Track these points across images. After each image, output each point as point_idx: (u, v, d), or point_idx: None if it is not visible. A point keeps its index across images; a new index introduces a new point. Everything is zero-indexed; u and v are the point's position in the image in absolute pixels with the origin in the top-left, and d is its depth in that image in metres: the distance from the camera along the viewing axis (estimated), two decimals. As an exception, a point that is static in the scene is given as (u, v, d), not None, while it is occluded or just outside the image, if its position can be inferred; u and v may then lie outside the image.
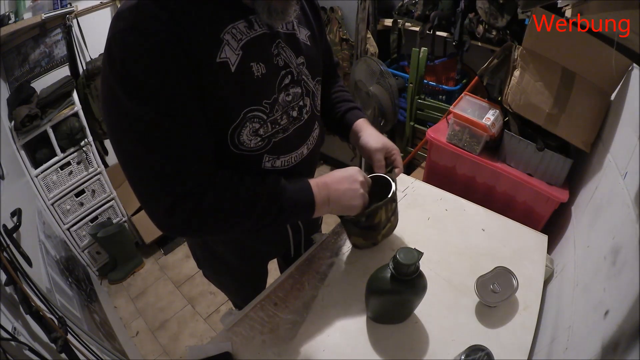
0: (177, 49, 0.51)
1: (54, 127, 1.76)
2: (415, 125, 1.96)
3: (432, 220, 0.95)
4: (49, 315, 1.04)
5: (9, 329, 0.86)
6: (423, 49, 1.71)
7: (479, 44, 1.61)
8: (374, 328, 0.72)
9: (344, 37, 2.15)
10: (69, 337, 1.06)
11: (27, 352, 0.86)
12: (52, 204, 1.83)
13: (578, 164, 1.05)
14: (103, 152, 2.11)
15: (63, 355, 0.99)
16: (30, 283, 1.07)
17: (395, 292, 0.63)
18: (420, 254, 0.60)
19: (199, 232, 0.62)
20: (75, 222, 1.95)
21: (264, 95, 0.62)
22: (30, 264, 1.13)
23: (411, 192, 1.04)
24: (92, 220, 2.02)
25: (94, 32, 1.92)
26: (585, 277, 0.68)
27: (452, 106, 1.23)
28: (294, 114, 0.69)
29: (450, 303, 0.76)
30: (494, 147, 1.20)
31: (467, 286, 0.76)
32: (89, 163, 1.93)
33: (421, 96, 1.84)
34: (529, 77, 1.03)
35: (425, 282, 0.64)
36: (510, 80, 1.06)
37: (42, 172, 1.76)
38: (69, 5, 1.82)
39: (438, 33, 1.72)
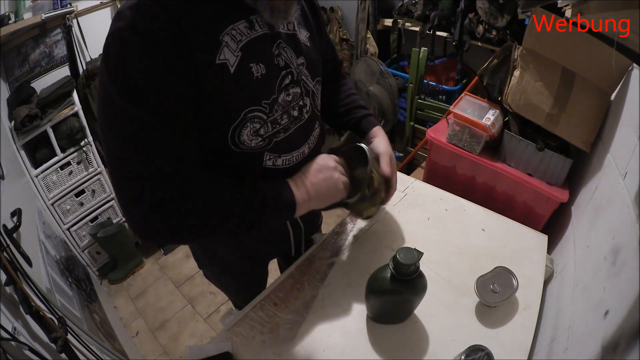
0: (176, 50, 0.51)
1: (54, 127, 1.76)
2: (415, 125, 1.96)
3: (432, 220, 0.95)
4: (49, 315, 1.04)
5: (9, 329, 0.86)
6: (423, 49, 1.71)
7: (479, 44, 1.61)
8: (374, 328, 0.72)
9: (344, 37, 2.15)
10: (69, 337, 1.06)
11: (27, 352, 0.86)
12: (52, 204, 1.83)
13: (578, 164, 1.05)
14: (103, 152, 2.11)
15: (63, 355, 0.99)
16: (30, 283, 1.07)
17: (395, 292, 0.63)
18: (420, 254, 0.60)
19: (177, 236, 0.60)
20: (75, 222, 1.95)
21: (263, 95, 0.62)
22: (30, 264, 1.13)
23: (411, 192, 1.04)
24: (92, 220, 2.02)
25: (94, 32, 1.92)
26: (585, 277, 0.68)
27: (452, 106, 1.23)
28: (295, 113, 0.69)
29: (450, 303, 0.76)
30: (494, 147, 1.20)
31: (467, 286, 0.76)
32: (89, 163, 1.93)
33: (421, 96, 1.84)
34: (529, 77, 1.03)
35: (425, 282, 0.64)
36: (510, 80, 1.06)
37: (42, 172, 1.76)
38: (69, 5, 1.82)
39: (438, 33, 1.72)
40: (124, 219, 2.16)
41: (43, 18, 1.69)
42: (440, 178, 1.35)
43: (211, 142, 0.62)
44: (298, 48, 0.68)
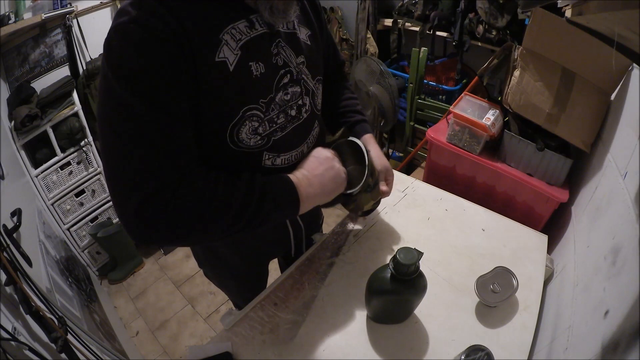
0: (176, 45, 0.51)
1: (54, 127, 1.76)
2: (415, 125, 1.96)
3: (432, 220, 0.95)
4: (49, 315, 1.04)
5: (9, 329, 0.86)
6: (423, 49, 1.71)
7: (479, 44, 1.61)
8: (374, 328, 0.72)
9: (344, 37, 2.15)
10: (69, 337, 1.06)
11: (27, 352, 0.86)
12: (52, 204, 1.83)
13: (578, 164, 1.05)
14: (103, 152, 2.11)
15: (63, 355, 0.99)
16: (30, 283, 1.07)
17: (395, 292, 0.63)
18: (420, 254, 0.60)
19: (171, 234, 0.55)
20: (75, 222, 1.95)
21: (260, 94, 0.62)
22: (30, 264, 1.13)
23: (411, 192, 1.04)
24: (92, 220, 2.02)
25: (94, 32, 1.92)
26: (585, 277, 0.68)
27: (452, 106, 1.23)
28: (293, 112, 0.69)
29: (450, 303, 0.76)
30: (494, 147, 1.20)
31: (467, 286, 0.76)
32: (89, 163, 1.93)
33: (421, 96, 1.84)
34: (529, 77, 1.03)
35: (425, 282, 0.64)
36: (510, 80, 1.06)
37: (42, 172, 1.76)
38: (69, 5, 1.82)
39: (438, 33, 1.72)
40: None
41: (43, 18, 1.69)
42: (440, 178, 1.35)
43: (210, 141, 0.62)
44: (298, 47, 0.68)
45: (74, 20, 1.85)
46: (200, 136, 0.60)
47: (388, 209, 0.98)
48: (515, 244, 0.88)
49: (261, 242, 0.89)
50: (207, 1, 0.55)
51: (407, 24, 1.86)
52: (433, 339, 0.69)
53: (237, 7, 0.59)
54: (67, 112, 1.77)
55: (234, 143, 0.63)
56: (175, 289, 2.07)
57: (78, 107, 1.81)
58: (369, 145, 0.82)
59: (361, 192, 0.73)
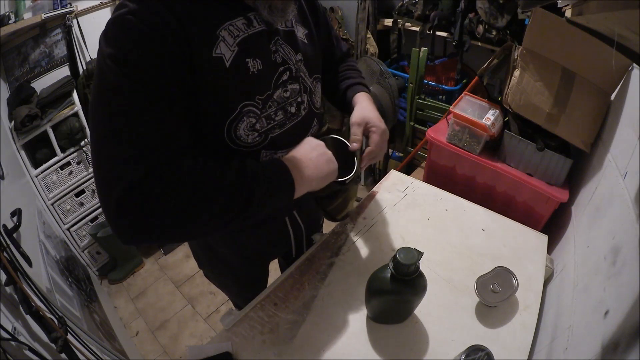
0: (173, 38, 0.52)
1: (54, 127, 1.76)
2: (415, 125, 1.96)
3: (432, 220, 0.95)
4: (49, 315, 1.04)
5: (9, 329, 0.86)
6: (423, 49, 1.71)
7: (479, 44, 1.61)
8: (374, 328, 0.72)
9: (344, 37, 2.15)
10: (69, 337, 1.06)
11: (27, 352, 0.86)
12: (52, 204, 1.83)
13: (578, 164, 1.05)
14: (103, 152, 2.11)
15: (63, 355, 0.99)
16: (30, 283, 1.07)
17: (395, 292, 0.63)
18: (420, 254, 0.60)
19: (156, 227, 0.51)
20: (75, 222, 1.95)
21: (257, 90, 0.63)
22: (30, 264, 1.13)
23: (411, 192, 1.04)
24: (92, 220, 2.02)
25: (94, 32, 1.92)
26: (585, 277, 0.68)
27: (452, 106, 1.23)
28: (292, 110, 0.69)
29: (450, 303, 0.76)
30: (494, 147, 1.20)
31: (467, 286, 0.76)
32: (89, 163, 1.93)
33: (421, 96, 1.84)
34: (529, 77, 1.03)
35: (425, 282, 0.64)
36: (510, 80, 1.06)
37: (42, 172, 1.76)
38: (69, 5, 1.82)
39: (438, 33, 1.72)
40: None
41: (43, 18, 1.69)
42: (440, 178, 1.35)
43: (208, 138, 0.62)
44: (296, 45, 0.69)
45: (74, 20, 1.86)
46: (200, 135, 0.60)
47: (388, 209, 0.98)
48: (515, 244, 0.88)
49: (261, 243, 0.89)
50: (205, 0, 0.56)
51: (407, 24, 1.86)
52: (433, 339, 0.69)
53: (235, 5, 0.59)
54: (67, 112, 1.78)
55: (232, 140, 0.63)
56: (175, 289, 2.07)
57: (78, 107, 1.81)
58: (357, 103, 0.81)
59: (352, 181, 0.72)
